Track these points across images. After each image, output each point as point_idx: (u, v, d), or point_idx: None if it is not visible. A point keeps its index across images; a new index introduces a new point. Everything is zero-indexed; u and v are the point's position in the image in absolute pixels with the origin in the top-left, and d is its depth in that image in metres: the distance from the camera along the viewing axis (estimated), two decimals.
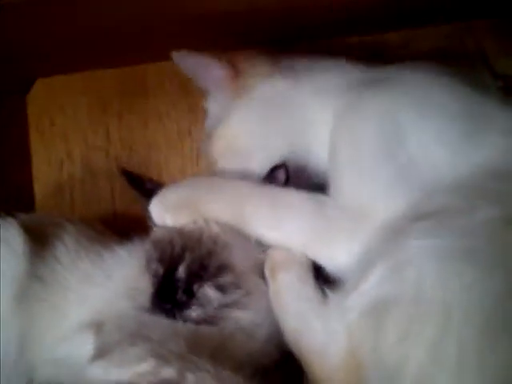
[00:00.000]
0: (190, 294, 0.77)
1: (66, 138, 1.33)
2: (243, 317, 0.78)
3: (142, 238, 0.91)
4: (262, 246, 0.81)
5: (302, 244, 0.77)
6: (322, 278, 0.77)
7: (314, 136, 0.86)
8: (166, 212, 0.82)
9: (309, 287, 0.76)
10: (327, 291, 0.73)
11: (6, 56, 1.12)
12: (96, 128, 1.31)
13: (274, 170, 0.83)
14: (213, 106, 0.97)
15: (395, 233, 0.67)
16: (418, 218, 0.66)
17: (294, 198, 0.78)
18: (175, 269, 0.79)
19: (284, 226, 0.77)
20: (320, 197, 0.78)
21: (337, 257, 0.74)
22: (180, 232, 0.81)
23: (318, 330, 0.71)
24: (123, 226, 1.09)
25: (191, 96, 1.20)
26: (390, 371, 0.60)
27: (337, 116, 0.81)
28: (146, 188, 0.88)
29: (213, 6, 0.88)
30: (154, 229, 0.85)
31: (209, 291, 0.78)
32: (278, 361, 0.76)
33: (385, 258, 0.65)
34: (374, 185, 0.74)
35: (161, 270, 0.80)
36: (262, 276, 0.81)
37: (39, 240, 0.89)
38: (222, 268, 0.79)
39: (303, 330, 0.73)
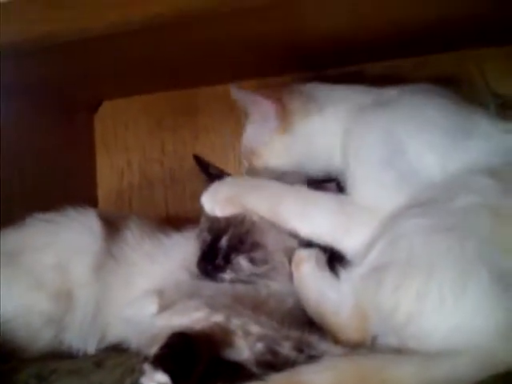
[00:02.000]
0: (228, 261, 0.96)
1: (126, 151, 1.54)
2: (271, 284, 0.95)
3: (194, 227, 1.10)
4: (291, 236, 0.97)
5: (327, 234, 0.93)
6: (339, 263, 0.93)
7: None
8: (215, 204, 0.99)
9: (324, 272, 0.93)
10: (340, 269, 0.90)
11: (78, 81, 1.33)
12: (153, 142, 1.52)
13: (324, 181, 0.99)
14: (252, 127, 1.12)
15: (392, 219, 0.85)
16: (411, 206, 0.84)
17: (320, 198, 0.95)
18: (219, 239, 0.98)
19: (312, 221, 0.94)
20: (341, 196, 0.95)
21: (354, 243, 0.90)
22: None
23: (331, 297, 0.89)
24: (175, 227, 1.20)
25: (235, 114, 1.40)
26: (386, 314, 0.77)
27: (347, 132, 0.99)
28: (210, 172, 1.07)
29: (254, 40, 1.08)
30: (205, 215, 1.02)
31: (242, 261, 0.96)
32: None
33: (384, 237, 0.83)
34: (380, 187, 0.91)
35: (208, 238, 0.99)
36: (289, 258, 0.98)
37: (111, 227, 1.08)
38: (256, 245, 0.98)
39: (321, 300, 0.90)
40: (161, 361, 0.70)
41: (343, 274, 0.89)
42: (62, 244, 1.03)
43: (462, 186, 0.82)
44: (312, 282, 0.93)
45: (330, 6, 0.92)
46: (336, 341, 0.82)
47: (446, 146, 0.88)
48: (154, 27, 0.91)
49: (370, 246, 0.85)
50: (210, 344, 0.79)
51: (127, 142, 1.54)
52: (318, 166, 1.04)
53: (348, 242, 0.91)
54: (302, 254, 0.96)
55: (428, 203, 0.82)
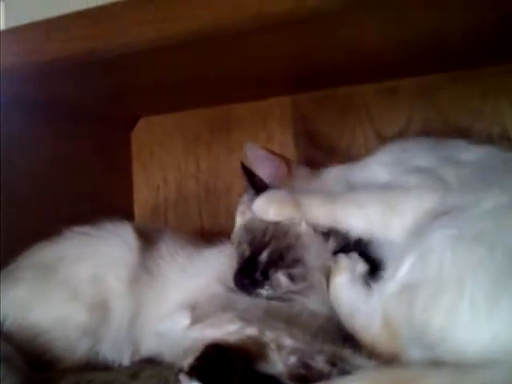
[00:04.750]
0: (266, 276, 0.95)
1: (162, 167, 1.57)
2: (305, 302, 0.94)
3: (227, 242, 1.10)
4: (331, 254, 0.96)
5: (378, 222, 0.92)
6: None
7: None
8: (270, 204, 0.98)
9: (357, 285, 0.92)
10: (371, 283, 0.90)
11: (116, 99, 1.37)
12: (188, 158, 1.54)
13: None
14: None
15: (420, 229, 0.84)
16: (438, 214, 0.83)
17: (371, 193, 0.95)
18: (260, 253, 0.97)
19: (364, 211, 0.93)
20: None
21: (402, 226, 0.89)
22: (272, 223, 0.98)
23: (363, 311, 0.88)
24: (210, 241, 1.20)
25: (268, 130, 1.43)
26: (419, 332, 0.75)
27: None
28: (255, 181, 1.05)
29: (289, 57, 1.10)
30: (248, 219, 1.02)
31: (281, 277, 0.95)
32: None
33: (412, 251, 0.82)
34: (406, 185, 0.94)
35: (248, 252, 0.98)
36: (326, 276, 0.96)
37: (147, 240, 1.09)
38: (296, 261, 0.96)
39: (353, 313, 0.89)
40: (196, 371, 0.70)
41: (375, 287, 0.88)
42: (99, 256, 1.05)
43: (485, 186, 0.82)
44: (345, 293, 0.93)
45: (381, 20, 0.91)
46: (370, 354, 0.81)
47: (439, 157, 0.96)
48: (190, 43, 0.93)
49: (399, 256, 0.84)
50: (244, 356, 0.79)
51: (163, 158, 1.57)
52: None
53: (396, 225, 0.90)
54: (342, 263, 0.95)
55: (454, 210, 0.81)
